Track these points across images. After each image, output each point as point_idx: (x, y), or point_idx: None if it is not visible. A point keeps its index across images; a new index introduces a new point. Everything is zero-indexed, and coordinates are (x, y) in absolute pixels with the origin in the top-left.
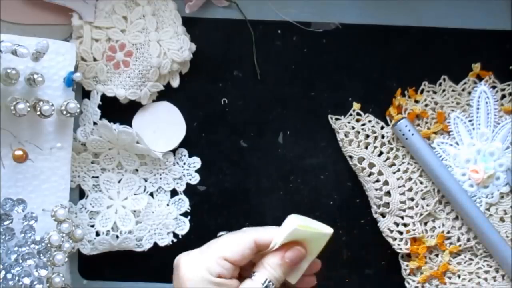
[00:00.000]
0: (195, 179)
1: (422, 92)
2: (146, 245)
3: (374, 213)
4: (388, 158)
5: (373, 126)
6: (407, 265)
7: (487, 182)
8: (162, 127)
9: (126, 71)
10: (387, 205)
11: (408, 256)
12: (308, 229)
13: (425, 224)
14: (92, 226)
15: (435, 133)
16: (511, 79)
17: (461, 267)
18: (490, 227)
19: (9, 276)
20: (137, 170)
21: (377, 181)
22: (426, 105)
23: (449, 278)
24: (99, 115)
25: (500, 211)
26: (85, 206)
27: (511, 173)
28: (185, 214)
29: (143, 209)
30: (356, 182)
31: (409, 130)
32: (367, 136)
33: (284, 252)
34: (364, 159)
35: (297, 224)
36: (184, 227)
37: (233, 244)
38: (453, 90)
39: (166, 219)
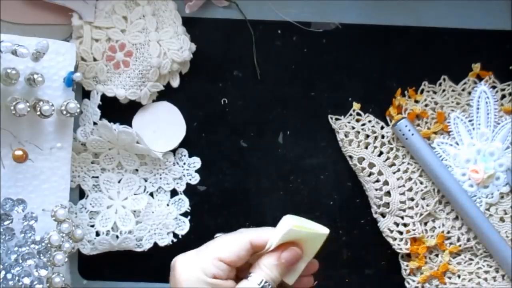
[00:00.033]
0: (195, 179)
1: (422, 92)
2: (146, 245)
3: (374, 213)
4: (388, 158)
5: (373, 126)
6: (407, 265)
7: (487, 182)
8: (162, 127)
9: (126, 71)
10: (387, 205)
11: (408, 256)
12: (303, 230)
13: (425, 224)
14: (92, 226)
15: (435, 133)
16: (511, 79)
17: (461, 267)
18: (490, 227)
19: (9, 276)
20: (137, 170)
21: (377, 181)
22: (426, 105)
23: (449, 278)
24: (99, 115)
25: (500, 211)
26: (85, 206)
27: (511, 173)
28: (185, 214)
29: (143, 209)
30: (356, 182)
31: (409, 130)
32: (367, 136)
33: (280, 253)
34: (364, 159)
35: (292, 224)
36: (184, 227)
37: (228, 245)
38: (453, 90)
39: (166, 219)
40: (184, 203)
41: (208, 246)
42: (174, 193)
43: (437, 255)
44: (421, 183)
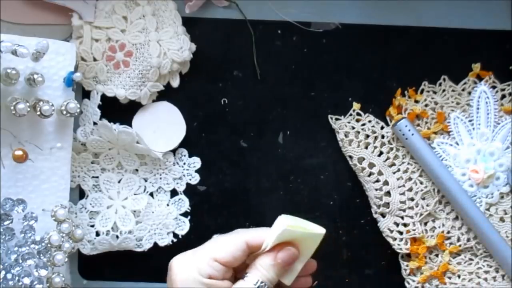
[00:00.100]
0: (195, 179)
1: (422, 92)
2: (146, 245)
3: (374, 213)
4: (388, 158)
5: (373, 126)
6: (407, 265)
7: (487, 182)
8: (162, 127)
9: (126, 71)
10: (387, 205)
11: (408, 256)
12: (299, 229)
13: (425, 224)
14: (92, 226)
15: (435, 133)
16: (511, 79)
17: (461, 267)
18: (490, 227)
19: (9, 276)
20: (137, 170)
21: (377, 181)
22: (426, 105)
23: (449, 278)
24: (99, 115)
25: (500, 211)
26: (85, 206)
27: (511, 173)
28: (185, 214)
29: (143, 209)
30: (356, 182)
31: (409, 130)
32: (367, 136)
33: (276, 253)
34: (364, 159)
35: (286, 224)
36: (184, 227)
37: (224, 245)
38: (453, 90)
39: (166, 219)
40: (184, 203)
41: (204, 246)
42: (174, 193)
43: (437, 255)
44: (421, 183)
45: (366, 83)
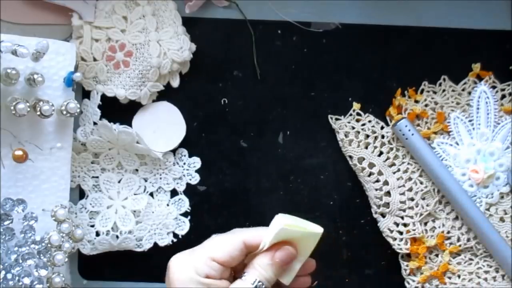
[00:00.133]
0: (195, 179)
1: (422, 92)
2: (146, 245)
3: (374, 213)
4: (388, 158)
5: (373, 126)
6: (407, 265)
7: (487, 182)
8: (162, 127)
9: (126, 71)
10: (387, 205)
11: (408, 256)
12: (296, 229)
13: (425, 224)
14: (92, 226)
15: (435, 133)
16: (511, 79)
17: (461, 267)
18: (490, 227)
19: (9, 276)
20: (137, 170)
21: (377, 181)
22: (426, 105)
23: (449, 278)
24: (99, 115)
25: (500, 211)
26: (85, 206)
27: (511, 173)
28: (185, 214)
29: (143, 209)
30: (356, 182)
31: (409, 130)
32: (367, 136)
33: (274, 252)
34: (364, 159)
35: (284, 223)
36: (184, 227)
37: (221, 244)
38: (453, 90)
39: (166, 219)
40: (184, 203)
41: (202, 246)
42: (174, 193)
43: (437, 255)
44: (421, 183)
45: (366, 83)
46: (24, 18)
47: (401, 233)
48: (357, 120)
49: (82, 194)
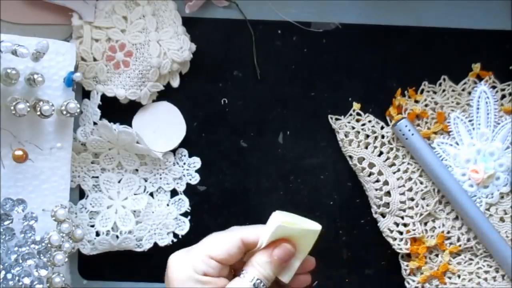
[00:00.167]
0: (195, 179)
1: (422, 92)
2: (146, 245)
3: (374, 213)
4: (388, 158)
5: (373, 126)
6: (407, 265)
7: (487, 182)
8: (162, 127)
9: (126, 71)
10: (387, 205)
11: (408, 256)
12: (294, 226)
13: (425, 224)
14: (92, 226)
15: (435, 133)
16: (511, 79)
17: (461, 267)
18: (490, 227)
19: (9, 276)
20: (137, 170)
21: (377, 181)
22: (426, 105)
23: (449, 278)
24: (99, 115)
25: (500, 211)
26: (85, 206)
27: (511, 173)
28: (185, 214)
29: (143, 209)
30: (356, 182)
31: (409, 130)
32: (367, 136)
33: (272, 250)
34: (364, 159)
35: (281, 220)
36: (184, 227)
37: (219, 242)
38: (453, 90)
39: (166, 219)
40: (184, 203)
41: (200, 244)
42: (174, 193)
43: (437, 255)
44: (421, 183)
45: (366, 83)
46: (24, 18)
47: (401, 233)
48: (357, 120)
49: (82, 194)
